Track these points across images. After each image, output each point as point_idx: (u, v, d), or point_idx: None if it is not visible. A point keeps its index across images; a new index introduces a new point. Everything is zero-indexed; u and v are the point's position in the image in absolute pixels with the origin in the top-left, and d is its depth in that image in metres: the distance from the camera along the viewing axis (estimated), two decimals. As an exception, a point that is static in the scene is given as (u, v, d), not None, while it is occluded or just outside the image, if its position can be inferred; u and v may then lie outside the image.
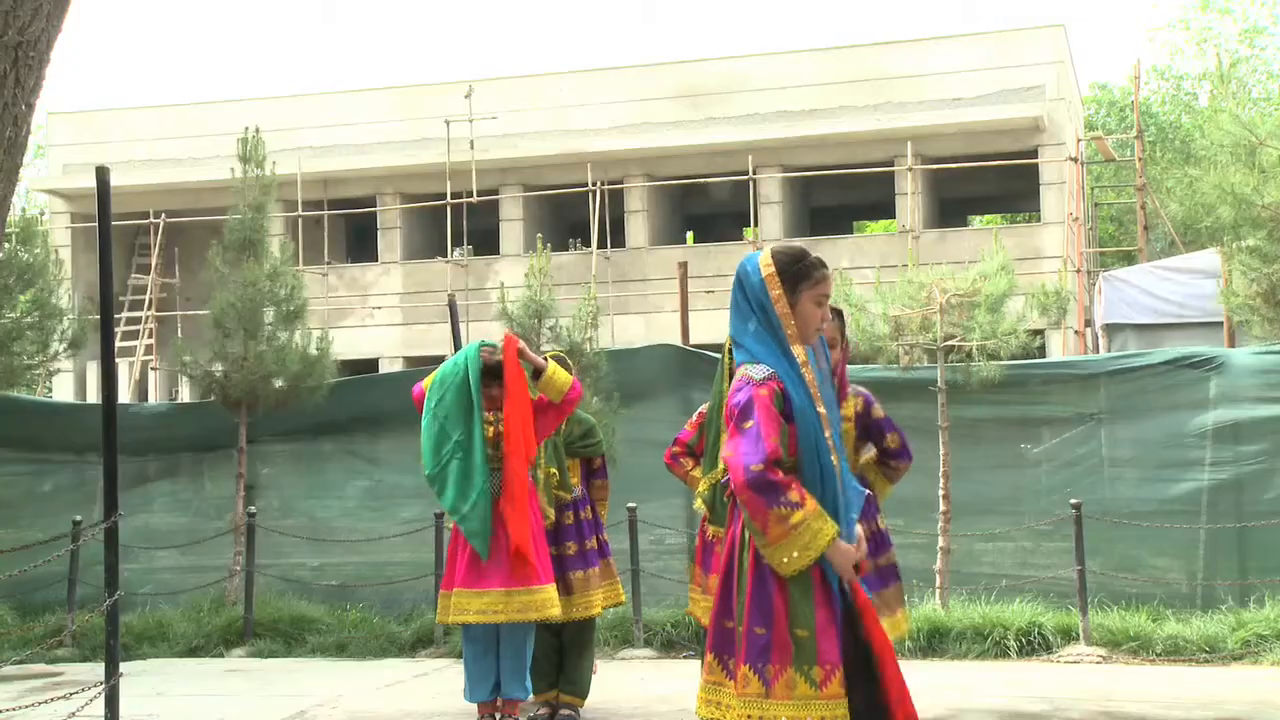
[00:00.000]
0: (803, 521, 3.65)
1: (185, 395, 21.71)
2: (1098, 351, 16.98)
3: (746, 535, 3.83)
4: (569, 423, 6.70)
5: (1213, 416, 9.53)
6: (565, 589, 6.52)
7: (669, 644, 9.22)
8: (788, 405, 3.75)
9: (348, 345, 21.00)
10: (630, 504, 9.58)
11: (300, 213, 22.59)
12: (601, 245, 22.33)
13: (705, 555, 5.87)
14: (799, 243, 23.87)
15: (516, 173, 24.07)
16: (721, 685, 3.84)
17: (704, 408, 5.86)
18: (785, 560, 3.67)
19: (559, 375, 6.38)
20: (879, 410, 5.41)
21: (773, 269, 3.84)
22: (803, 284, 3.83)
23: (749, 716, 3.71)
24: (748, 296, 3.87)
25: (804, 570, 3.69)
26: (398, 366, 22.75)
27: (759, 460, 3.63)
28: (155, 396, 22.93)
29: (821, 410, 3.81)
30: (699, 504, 5.85)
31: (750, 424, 3.70)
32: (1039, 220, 22.89)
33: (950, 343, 9.61)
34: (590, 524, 6.79)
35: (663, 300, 21.37)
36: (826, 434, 3.81)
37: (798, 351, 3.82)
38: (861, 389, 5.42)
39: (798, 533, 3.65)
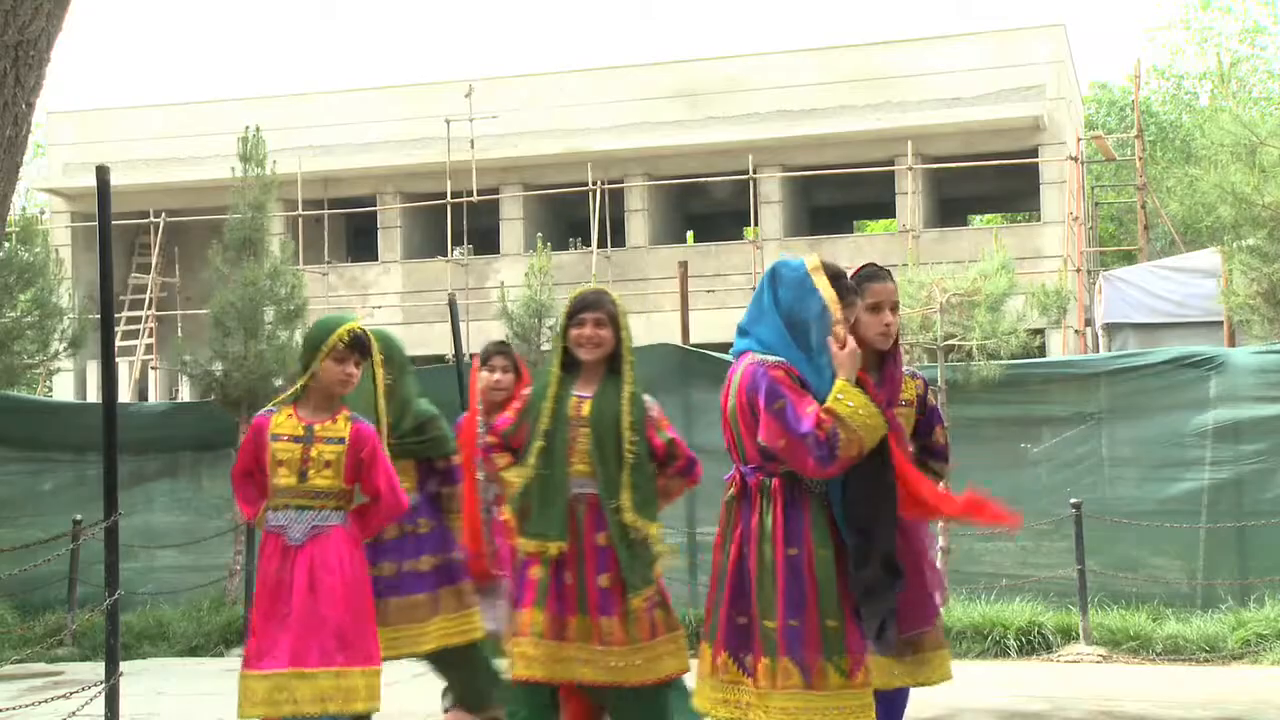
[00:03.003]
0: (850, 414, 3.71)
1: (185, 394, 21.72)
2: (1098, 351, 16.99)
3: (768, 526, 3.81)
4: (401, 415, 5.55)
5: (1213, 416, 9.52)
6: (381, 618, 5.09)
7: (669, 643, 9.21)
8: (804, 386, 3.80)
9: (348, 345, 20.95)
10: (630, 503, 9.56)
11: (300, 212, 22.59)
12: (601, 245, 22.32)
13: (518, 588, 4.77)
14: (799, 243, 23.88)
15: (517, 172, 24.06)
16: (739, 684, 3.81)
17: (526, 393, 5.03)
18: (869, 439, 3.74)
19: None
20: (933, 397, 4.84)
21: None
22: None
23: (791, 709, 3.69)
24: (778, 298, 3.91)
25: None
26: (398, 366, 22.71)
27: (808, 427, 3.69)
28: (155, 396, 22.93)
29: None
30: (508, 512, 4.77)
31: (782, 403, 3.73)
32: (1039, 220, 22.88)
33: (950, 342, 9.61)
34: (420, 540, 5.54)
35: (663, 300, 21.35)
36: None
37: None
38: (918, 371, 4.83)
39: (856, 424, 3.71)
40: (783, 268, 3.96)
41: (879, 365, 4.39)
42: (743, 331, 3.99)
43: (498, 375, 5.83)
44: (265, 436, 4.71)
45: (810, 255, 4.05)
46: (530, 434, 4.77)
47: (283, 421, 4.73)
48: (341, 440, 4.71)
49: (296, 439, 4.68)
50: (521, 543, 4.72)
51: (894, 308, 4.44)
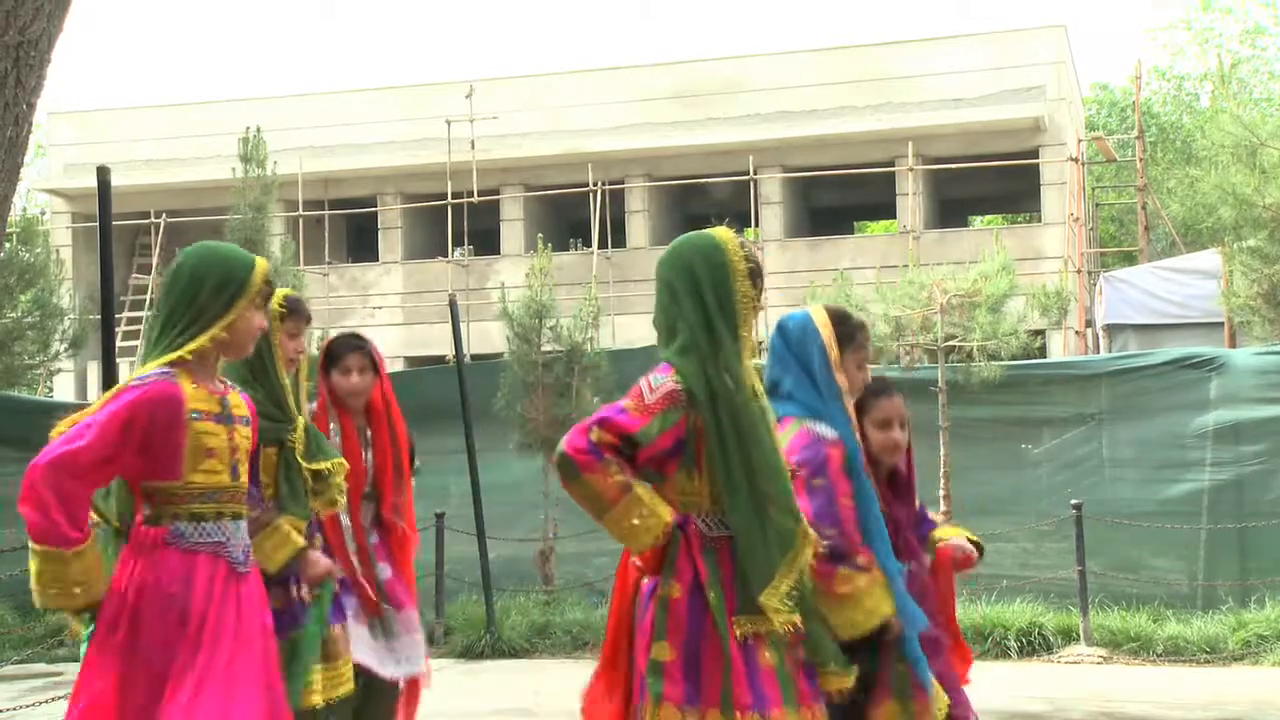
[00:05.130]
0: (866, 588, 3.58)
1: (186, 395, 21.69)
2: (1098, 352, 16.99)
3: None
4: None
5: (1213, 417, 9.53)
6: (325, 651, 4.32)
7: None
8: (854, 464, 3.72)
9: (348, 345, 20.95)
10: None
11: (301, 212, 22.59)
12: (602, 245, 22.33)
13: (740, 683, 3.16)
14: (800, 244, 23.81)
15: (517, 173, 24.07)
16: None
17: (672, 384, 3.22)
18: (855, 622, 3.56)
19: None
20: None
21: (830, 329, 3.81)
22: (846, 346, 3.83)
23: None
24: (790, 346, 3.82)
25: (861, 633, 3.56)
26: (399, 366, 22.75)
27: (834, 521, 3.57)
28: (156, 396, 22.91)
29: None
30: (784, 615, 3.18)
31: (821, 481, 3.62)
32: (1039, 221, 22.88)
33: (951, 343, 9.62)
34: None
35: (663, 300, 21.34)
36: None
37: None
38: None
39: (860, 604, 3.54)
40: (785, 319, 3.88)
41: (891, 480, 4.10)
42: (773, 389, 3.76)
43: (354, 378, 4.76)
44: (184, 412, 3.26)
45: (815, 304, 3.95)
46: (718, 439, 3.19)
47: (194, 393, 3.32)
48: (249, 420, 3.50)
49: (218, 418, 3.36)
50: (751, 621, 3.18)
51: (903, 423, 4.02)
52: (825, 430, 3.69)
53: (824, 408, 3.73)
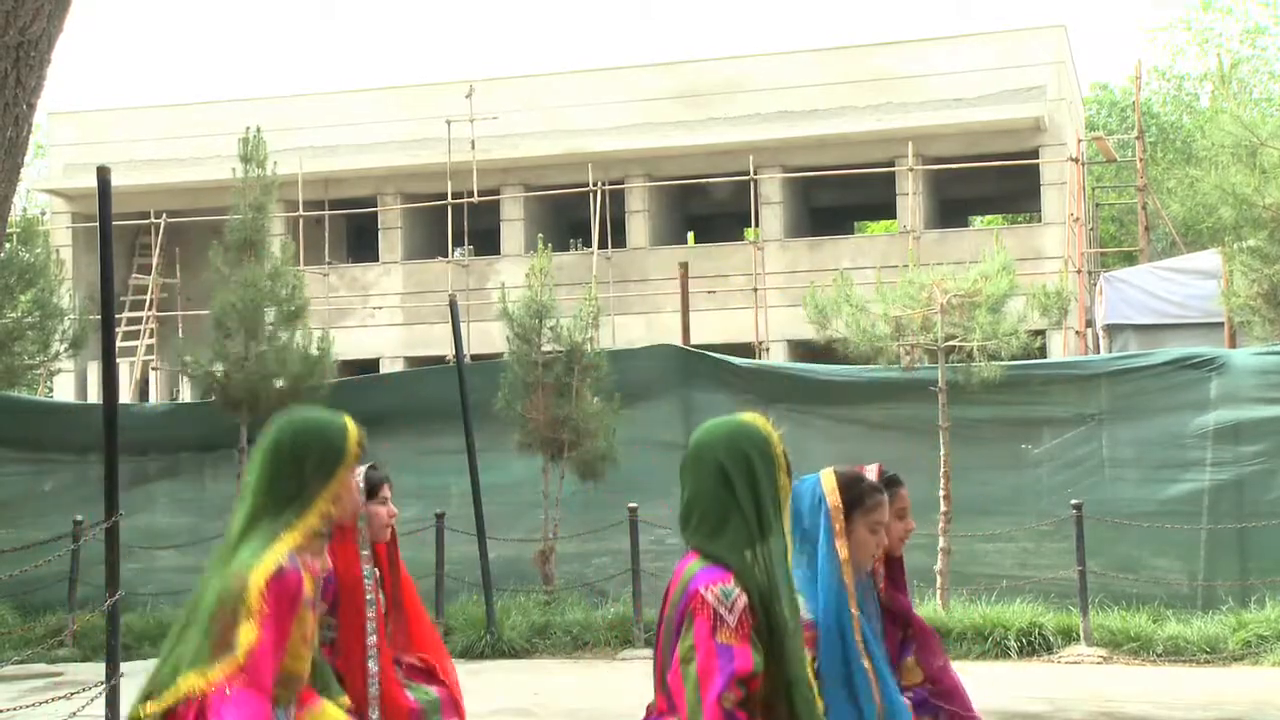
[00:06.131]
0: None
1: (186, 395, 21.72)
2: (1099, 352, 16.99)
3: None
4: None
5: (1213, 417, 9.54)
6: None
7: (669, 644, 9.22)
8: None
9: (349, 345, 20.99)
10: (630, 504, 9.58)
11: (301, 212, 22.59)
12: (602, 245, 22.32)
13: None
14: (800, 244, 23.72)
15: (517, 173, 24.06)
16: None
17: (741, 598, 2.99)
18: None
19: None
20: None
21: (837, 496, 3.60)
22: (856, 510, 3.61)
23: None
24: (799, 517, 3.59)
25: None
26: (399, 366, 22.76)
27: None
28: (156, 396, 22.93)
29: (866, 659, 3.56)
30: None
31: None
32: (1040, 221, 22.88)
33: (951, 343, 9.62)
34: None
35: (663, 300, 21.36)
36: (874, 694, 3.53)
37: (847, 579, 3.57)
38: None
39: None
40: (798, 484, 3.59)
41: (889, 571, 4.01)
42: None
43: (390, 507, 4.58)
44: (304, 601, 3.17)
45: (827, 470, 3.69)
46: (786, 662, 3.02)
47: (307, 579, 3.23)
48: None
49: (312, 603, 3.26)
50: None
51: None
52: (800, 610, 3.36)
53: (814, 579, 3.55)
